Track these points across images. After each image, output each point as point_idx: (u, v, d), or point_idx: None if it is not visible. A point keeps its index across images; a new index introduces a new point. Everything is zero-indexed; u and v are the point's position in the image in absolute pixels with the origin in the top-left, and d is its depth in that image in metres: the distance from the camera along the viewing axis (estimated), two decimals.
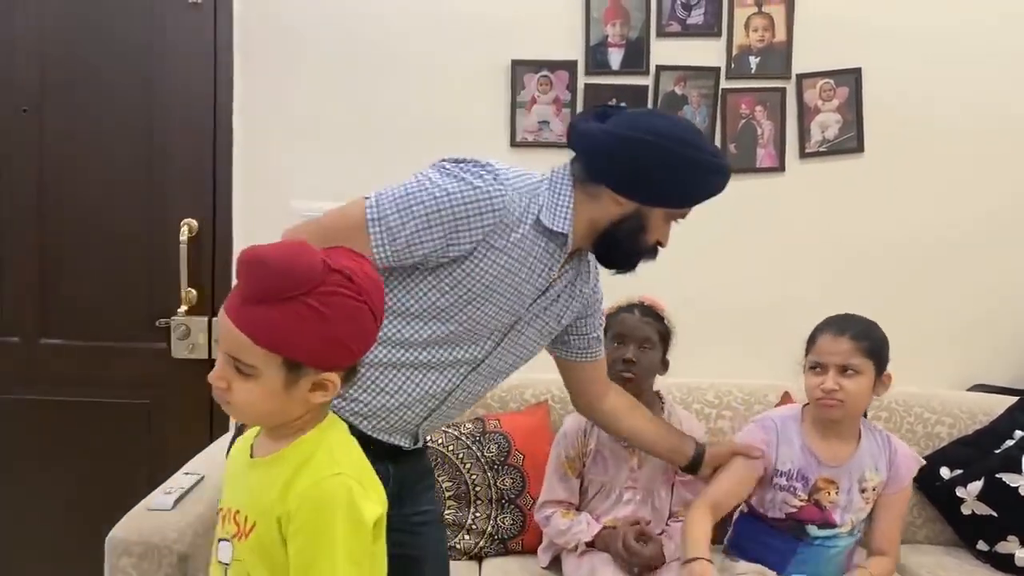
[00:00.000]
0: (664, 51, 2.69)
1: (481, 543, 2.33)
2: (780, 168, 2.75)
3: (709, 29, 2.70)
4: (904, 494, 2.04)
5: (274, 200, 2.68)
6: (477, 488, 2.36)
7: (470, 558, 2.33)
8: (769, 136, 2.74)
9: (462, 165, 1.51)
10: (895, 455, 2.00)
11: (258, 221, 2.71)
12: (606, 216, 1.58)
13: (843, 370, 1.87)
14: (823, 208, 2.77)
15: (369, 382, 1.55)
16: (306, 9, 2.71)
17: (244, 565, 1.22)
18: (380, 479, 1.56)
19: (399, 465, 1.62)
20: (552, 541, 2.21)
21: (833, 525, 1.96)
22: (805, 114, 2.73)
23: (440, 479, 2.34)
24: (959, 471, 2.48)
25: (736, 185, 2.69)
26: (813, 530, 1.97)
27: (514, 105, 2.69)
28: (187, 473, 2.17)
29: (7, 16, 2.72)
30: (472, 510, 2.35)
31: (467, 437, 2.40)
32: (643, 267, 2.68)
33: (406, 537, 1.66)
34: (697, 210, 2.74)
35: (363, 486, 1.21)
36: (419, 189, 1.49)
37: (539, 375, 2.23)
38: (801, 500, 1.96)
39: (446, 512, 2.33)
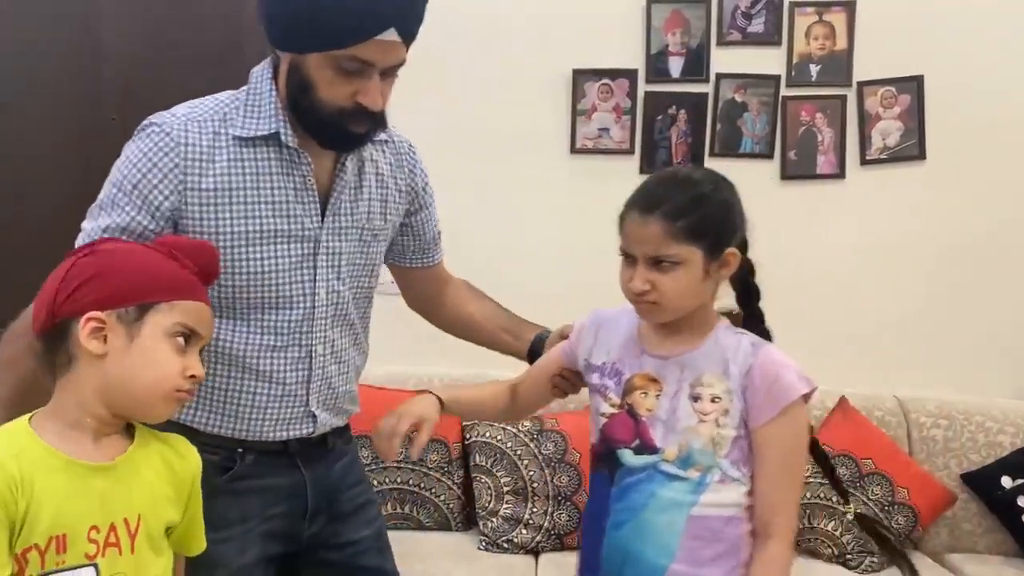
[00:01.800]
0: (724, 59, 2.74)
1: (538, 538, 2.40)
2: (840, 175, 2.76)
3: (769, 38, 2.73)
4: (783, 428, 1.28)
5: None
6: (534, 484, 2.43)
7: (527, 552, 2.39)
8: (829, 143, 2.75)
9: (133, 139, 1.37)
10: (759, 361, 1.31)
11: None
12: (283, 83, 1.36)
13: (656, 262, 1.29)
14: (883, 215, 2.77)
15: (222, 393, 1.39)
16: None
17: None
18: (297, 495, 1.45)
19: (313, 469, 1.47)
20: None
21: (652, 448, 1.32)
22: (866, 121, 2.74)
23: (498, 474, 2.42)
24: (1021, 480, 2.46)
25: (796, 191, 2.77)
26: (627, 456, 1.33)
27: (574, 113, 2.75)
28: None
29: (95, 27, 2.88)
30: (529, 505, 2.42)
31: (525, 435, 2.47)
32: None
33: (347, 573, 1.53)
34: (755, 214, 2.78)
35: None
36: (103, 188, 1.35)
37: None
38: (612, 405, 1.37)
39: (504, 506, 2.40)
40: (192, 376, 1.16)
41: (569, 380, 1.48)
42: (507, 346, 1.66)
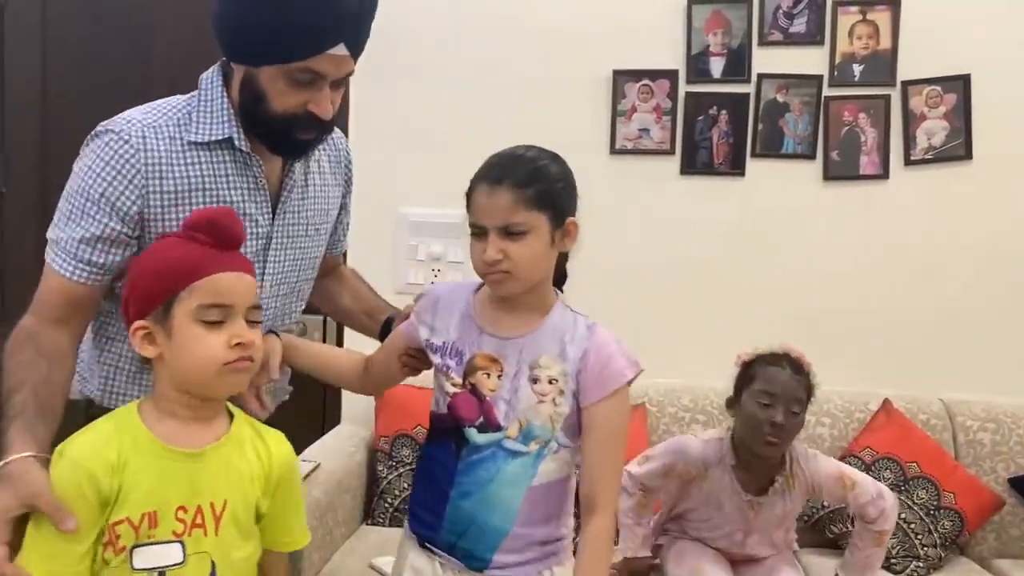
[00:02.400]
0: (766, 59, 2.72)
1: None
2: (884, 176, 2.73)
3: (811, 37, 2.71)
4: (610, 408, 1.40)
5: (384, 206, 2.82)
6: None
7: None
8: (873, 143, 2.73)
9: (89, 145, 1.41)
10: (594, 345, 1.41)
11: (369, 225, 2.84)
12: (235, 92, 1.42)
13: (506, 232, 1.37)
14: (928, 216, 2.73)
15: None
16: (418, 22, 2.84)
17: (207, 556, 1.24)
18: None
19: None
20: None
21: (496, 426, 1.41)
22: (911, 121, 2.71)
23: None
24: None
25: (838, 192, 2.75)
26: (472, 434, 1.42)
27: (615, 113, 2.75)
28: (304, 460, 2.31)
29: (146, 31, 2.95)
30: None
31: None
32: (737, 276, 2.73)
33: None
34: (797, 215, 2.77)
35: None
36: (65, 195, 1.40)
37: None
38: (455, 385, 1.45)
39: None
40: (238, 344, 1.23)
41: (417, 359, 1.54)
42: (363, 326, 1.76)
